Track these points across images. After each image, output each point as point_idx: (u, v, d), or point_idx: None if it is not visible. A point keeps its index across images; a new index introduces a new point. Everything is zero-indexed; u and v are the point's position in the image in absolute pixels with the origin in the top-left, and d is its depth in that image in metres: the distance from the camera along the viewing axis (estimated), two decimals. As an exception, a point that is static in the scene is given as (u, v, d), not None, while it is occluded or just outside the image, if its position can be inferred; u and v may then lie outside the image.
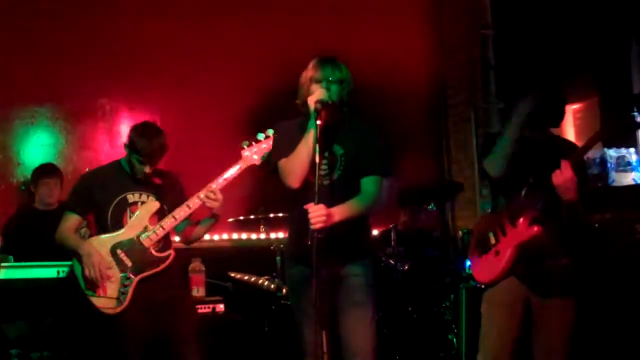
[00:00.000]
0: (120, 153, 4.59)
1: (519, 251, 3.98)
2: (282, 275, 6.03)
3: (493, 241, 4.08)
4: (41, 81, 6.73)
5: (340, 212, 3.72)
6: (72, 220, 4.48)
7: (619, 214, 5.56)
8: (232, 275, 6.25)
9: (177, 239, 4.69)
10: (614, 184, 5.95)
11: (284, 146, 3.91)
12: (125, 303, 4.28)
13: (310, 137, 3.72)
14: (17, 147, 6.78)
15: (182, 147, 6.99)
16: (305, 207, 3.63)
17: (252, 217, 6.30)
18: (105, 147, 7.05)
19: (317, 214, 3.59)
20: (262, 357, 5.83)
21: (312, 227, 3.58)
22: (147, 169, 4.41)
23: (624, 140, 6.22)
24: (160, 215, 4.45)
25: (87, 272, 4.26)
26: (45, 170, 5.90)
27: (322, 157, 3.78)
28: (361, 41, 7.22)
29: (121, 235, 4.37)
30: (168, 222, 4.39)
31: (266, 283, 6.08)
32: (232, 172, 4.41)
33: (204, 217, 4.59)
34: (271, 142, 4.26)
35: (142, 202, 4.46)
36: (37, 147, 6.82)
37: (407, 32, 8.00)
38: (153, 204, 4.45)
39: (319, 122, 3.67)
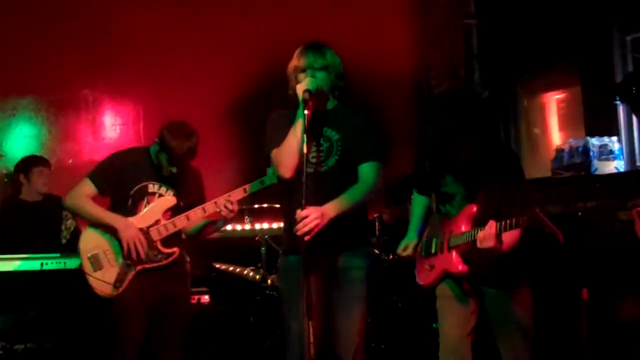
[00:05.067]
0: (104, 145, 4.58)
1: (445, 276, 4.01)
2: (267, 266, 6.04)
3: (433, 250, 4.09)
4: (23, 72, 6.70)
5: (335, 207, 3.67)
6: (90, 188, 4.43)
7: (601, 202, 5.60)
8: (217, 266, 6.24)
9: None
10: (597, 172, 5.97)
11: (276, 136, 3.87)
12: (121, 289, 4.30)
13: (298, 127, 3.69)
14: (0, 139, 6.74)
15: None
16: (297, 215, 3.56)
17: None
18: (89, 139, 7.02)
19: (308, 220, 3.54)
20: (247, 347, 5.83)
21: (298, 233, 3.55)
22: (174, 170, 4.41)
23: (606, 128, 6.25)
24: (175, 211, 4.44)
25: (125, 245, 4.27)
26: (39, 159, 5.88)
27: (310, 146, 3.76)
28: (344, 31, 7.20)
29: (134, 222, 4.36)
30: (180, 221, 4.39)
31: (251, 274, 6.08)
32: (253, 186, 4.31)
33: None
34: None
35: (160, 195, 4.46)
36: (19, 138, 6.79)
37: (390, 21, 7.99)
38: (170, 199, 4.45)
39: (306, 111, 3.64)
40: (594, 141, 6.05)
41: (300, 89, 3.73)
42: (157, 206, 4.42)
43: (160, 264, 4.40)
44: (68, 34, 6.82)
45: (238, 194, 4.34)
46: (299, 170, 3.72)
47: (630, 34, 6.35)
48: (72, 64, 6.81)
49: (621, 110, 6.28)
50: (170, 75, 7.14)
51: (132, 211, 4.40)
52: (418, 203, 4.32)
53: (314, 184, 3.68)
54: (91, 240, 4.37)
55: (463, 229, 3.90)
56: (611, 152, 6.04)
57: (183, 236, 4.62)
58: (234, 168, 7.03)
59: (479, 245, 3.70)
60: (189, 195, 4.53)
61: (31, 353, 4.85)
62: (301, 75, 3.81)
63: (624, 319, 5.10)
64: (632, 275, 5.06)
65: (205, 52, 7.27)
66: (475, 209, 3.88)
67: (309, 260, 3.54)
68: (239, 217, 6.54)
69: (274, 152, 3.87)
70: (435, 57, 8.24)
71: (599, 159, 6.00)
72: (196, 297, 5.87)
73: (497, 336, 4.00)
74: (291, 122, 3.79)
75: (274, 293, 5.74)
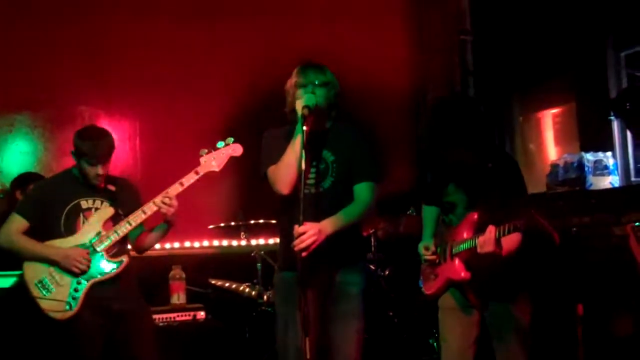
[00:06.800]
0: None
1: (449, 285, 4.04)
2: (263, 282, 6.04)
3: (437, 260, 4.11)
4: (19, 88, 6.70)
5: (332, 224, 3.70)
6: (20, 223, 4.37)
7: (596, 218, 5.61)
8: (213, 282, 6.24)
9: (129, 246, 4.62)
10: (592, 187, 5.98)
11: (272, 153, 3.87)
12: (76, 309, 4.23)
13: (297, 144, 3.68)
14: (-4, 155, 6.75)
15: (162, 152, 7.02)
16: (295, 231, 3.58)
17: (232, 223, 6.30)
18: (85, 155, 7.01)
19: (306, 236, 3.56)
20: (243, 363, 5.83)
21: (295, 248, 3.56)
22: (100, 170, 4.37)
23: (601, 144, 6.27)
24: (115, 221, 4.40)
25: (76, 270, 4.23)
26: (36, 176, 5.88)
27: (309, 164, 3.78)
28: (342, 47, 7.23)
29: (74, 240, 4.32)
30: (123, 228, 4.36)
31: (247, 290, 6.08)
32: (189, 179, 4.36)
33: (157, 225, 4.54)
34: (230, 151, 4.35)
35: (96, 209, 4.42)
36: (16, 154, 6.79)
37: (387, 37, 8.02)
38: (107, 210, 4.41)
39: (305, 127, 3.64)
40: (589, 156, 6.06)
41: (299, 104, 3.72)
42: (95, 219, 4.37)
43: (112, 275, 4.34)
44: (65, 50, 6.83)
45: (175, 189, 4.34)
46: (295, 187, 3.73)
47: (625, 50, 6.38)
48: (69, 80, 6.81)
49: (616, 126, 6.31)
50: (166, 90, 7.15)
51: (70, 231, 4.35)
52: (428, 212, 4.33)
53: (310, 204, 3.70)
54: (35, 267, 4.30)
55: (465, 236, 3.94)
56: (606, 167, 6.06)
57: (129, 246, 4.59)
58: (230, 183, 7.03)
59: (479, 250, 3.74)
60: (126, 203, 4.48)
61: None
62: (301, 91, 3.81)
63: (619, 334, 5.10)
64: (626, 291, 5.07)
65: (200, 67, 7.29)
66: (476, 216, 3.92)
67: (305, 276, 3.55)
68: (235, 233, 6.57)
69: (271, 169, 3.87)
70: (431, 73, 8.27)
71: (594, 174, 6.02)
72: (192, 313, 5.87)
73: (495, 346, 4.01)
74: (287, 139, 3.79)
75: (270, 309, 5.73)
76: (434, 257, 4.12)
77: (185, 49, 7.23)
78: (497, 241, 3.69)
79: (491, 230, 3.69)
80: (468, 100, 4.22)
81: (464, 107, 4.13)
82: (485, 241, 3.71)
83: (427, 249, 4.16)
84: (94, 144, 4.34)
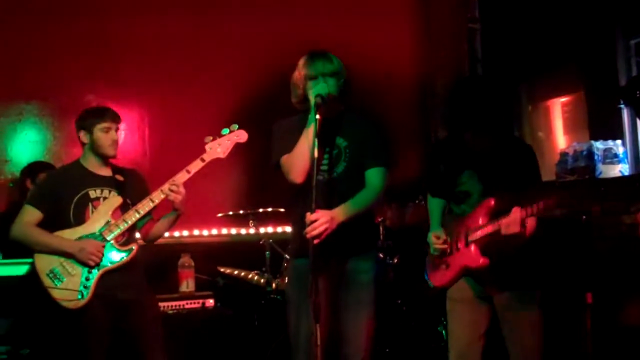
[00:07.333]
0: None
1: (464, 273, 4.01)
2: (271, 270, 6.05)
3: (448, 250, 4.09)
4: (28, 78, 6.70)
5: (344, 212, 3.72)
6: (34, 215, 4.39)
7: (605, 206, 5.59)
8: (222, 270, 6.26)
9: (137, 235, 4.64)
10: (601, 176, 5.97)
11: (285, 143, 3.89)
12: (88, 297, 4.25)
13: (310, 132, 3.70)
14: (5, 144, 6.75)
15: (170, 143, 7.02)
16: (307, 218, 3.59)
17: (241, 212, 6.31)
18: (93, 143, 7.02)
19: (318, 223, 3.58)
20: (252, 351, 5.83)
21: (307, 236, 3.58)
22: (114, 135, 4.43)
23: (611, 132, 6.25)
24: (123, 210, 4.44)
25: (91, 264, 4.26)
26: (46, 165, 5.90)
27: (323, 151, 3.80)
28: (348, 36, 7.22)
29: (83, 229, 4.34)
30: (132, 217, 4.39)
31: (256, 277, 6.10)
32: (195, 166, 4.42)
33: (165, 214, 4.58)
34: (235, 137, 4.45)
35: (105, 198, 4.44)
36: (24, 143, 6.79)
37: (395, 26, 8.01)
38: (116, 199, 4.44)
39: (318, 116, 3.65)
40: (599, 145, 6.05)
41: (312, 94, 3.73)
42: (104, 208, 4.40)
43: (122, 263, 4.36)
44: (73, 39, 6.83)
45: (182, 176, 4.40)
46: (308, 175, 3.74)
47: (634, 38, 6.36)
48: (77, 69, 6.81)
49: (625, 114, 6.29)
50: (174, 80, 7.15)
51: (79, 220, 4.37)
52: (435, 203, 4.30)
53: (323, 190, 3.72)
54: (46, 258, 4.32)
55: (481, 222, 3.92)
56: (615, 155, 6.05)
57: (137, 234, 4.62)
58: (238, 173, 7.05)
59: (504, 231, 3.72)
60: (134, 192, 4.52)
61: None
62: (311, 84, 3.81)
63: (628, 323, 5.10)
64: (636, 279, 5.06)
65: (208, 57, 7.28)
66: (493, 202, 3.90)
67: (317, 264, 3.55)
68: (243, 221, 6.58)
69: (285, 158, 3.88)
70: (439, 62, 8.24)
71: (604, 163, 6.01)
72: (201, 301, 5.89)
73: (507, 336, 3.98)
74: (298, 128, 3.81)
75: (279, 297, 5.75)
76: (445, 246, 4.10)
77: (193, 41, 7.23)
78: (522, 222, 3.69)
79: (516, 211, 3.69)
80: (488, 82, 4.18)
81: (484, 88, 4.10)
82: (510, 222, 3.70)
83: (437, 237, 4.14)
84: (102, 109, 4.47)
